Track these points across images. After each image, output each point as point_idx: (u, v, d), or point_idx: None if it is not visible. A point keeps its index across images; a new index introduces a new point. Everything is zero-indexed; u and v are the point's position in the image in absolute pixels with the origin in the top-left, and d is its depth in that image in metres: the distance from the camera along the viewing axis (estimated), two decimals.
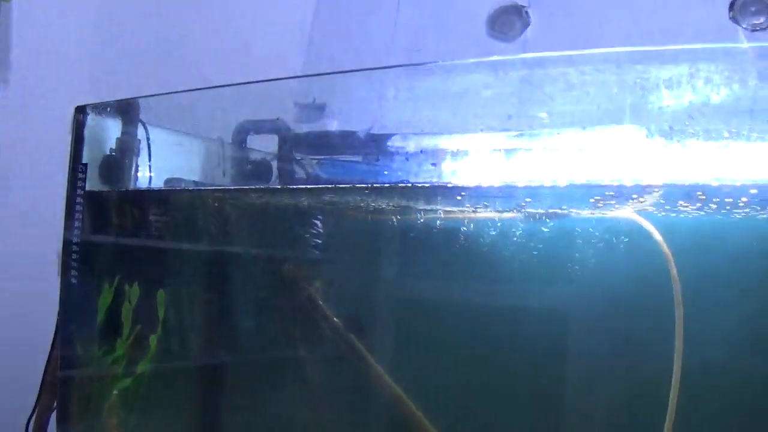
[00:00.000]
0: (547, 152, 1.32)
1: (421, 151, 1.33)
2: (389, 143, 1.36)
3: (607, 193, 1.34)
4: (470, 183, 1.33)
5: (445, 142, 1.33)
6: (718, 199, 1.32)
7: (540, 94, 1.31)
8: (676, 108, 1.27)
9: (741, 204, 1.35)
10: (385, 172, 1.35)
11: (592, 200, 1.34)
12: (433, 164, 1.32)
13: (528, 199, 1.34)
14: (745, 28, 1.66)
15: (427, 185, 1.34)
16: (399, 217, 1.41)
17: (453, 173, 1.33)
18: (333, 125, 1.54)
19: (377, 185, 1.35)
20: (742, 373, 1.38)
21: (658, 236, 1.47)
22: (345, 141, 1.48)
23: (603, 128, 1.31)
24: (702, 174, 1.29)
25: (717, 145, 1.29)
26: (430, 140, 1.34)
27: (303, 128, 1.58)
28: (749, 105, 1.28)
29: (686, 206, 1.37)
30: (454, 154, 1.32)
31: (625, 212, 1.47)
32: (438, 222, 1.38)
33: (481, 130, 1.33)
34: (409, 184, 1.33)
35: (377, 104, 1.39)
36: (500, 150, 1.33)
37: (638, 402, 1.43)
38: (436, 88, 1.35)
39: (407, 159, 1.34)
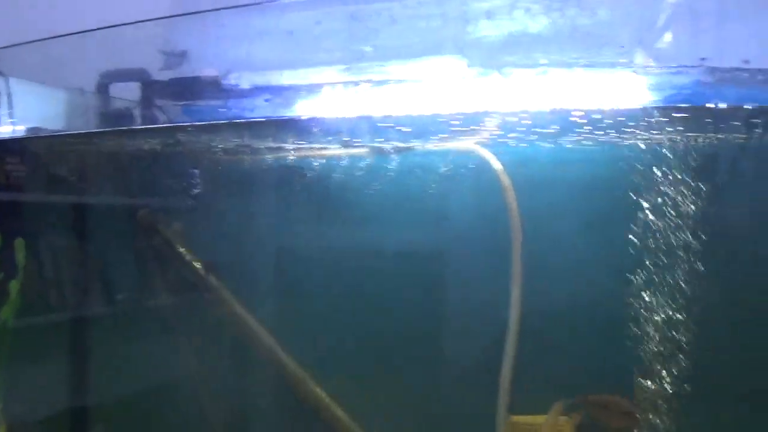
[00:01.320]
0: (374, 86, 1.36)
1: (256, 88, 1.37)
2: (225, 83, 1.40)
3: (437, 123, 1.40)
4: (302, 116, 1.38)
5: (276, 78, 1.38)
6: (537, 127, 1.38)
7: (365, 28, 1.35)
8: (496, 38, 1.32)
9: (562, 131, 1.41)
10: (222, 110, 1.39)
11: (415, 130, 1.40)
12: (267, 100, 1.37)
13: (356, 131, 1.39)
14: None
15: (262, 120, 1.38)
16: (238, 155, 1.45)
17: (287, 108, 1.37)
18: (190, 70, 1.57)
19: (213, 123, 1.40)
20: (577, 295, 1.46)
21: (498, 165, 1.53)
22: (196, 85, 1.51)
23: (426, 59, 1.36)
24: (522, 102, 1.34)
25: (536, 72, 1.33)
26: (263, 77, 1.38)
27: (164, 75, 1.62)
28: (569, 33, 1.32)
29: (510, 135, 1.43)
30: (287, 90, 1.37)
31: (464, 143, 1.53)
32: (270, 157, 1.42)
33: (311, 66, 1.37)
34: (243, 120, 1.38)
35: (215, 45, 1.43)
36: (332, 84, 1.37)
37: (479, 329, 1.50)
38: (268, 26, 1.39)
39: (245, 97, 1.38)
